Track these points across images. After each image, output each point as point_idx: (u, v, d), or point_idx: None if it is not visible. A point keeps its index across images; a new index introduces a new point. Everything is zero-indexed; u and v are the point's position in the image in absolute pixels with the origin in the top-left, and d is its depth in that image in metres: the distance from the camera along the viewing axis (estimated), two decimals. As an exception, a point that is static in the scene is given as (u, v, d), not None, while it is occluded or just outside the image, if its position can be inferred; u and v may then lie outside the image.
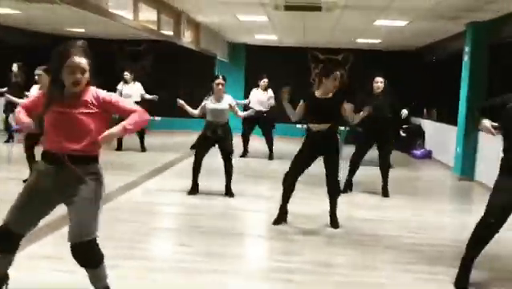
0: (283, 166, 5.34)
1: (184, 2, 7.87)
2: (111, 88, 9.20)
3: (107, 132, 2.77)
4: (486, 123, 3.57)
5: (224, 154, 6.16)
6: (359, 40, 11.42)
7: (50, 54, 2.81)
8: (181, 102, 6.21)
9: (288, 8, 7.58)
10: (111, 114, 2.93)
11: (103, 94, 2.85)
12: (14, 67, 9.35)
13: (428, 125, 11.35)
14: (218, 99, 6.13)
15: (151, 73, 13.12)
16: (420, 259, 4.23)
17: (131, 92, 9.29)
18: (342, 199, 5.33)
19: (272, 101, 9.34)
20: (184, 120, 9.40)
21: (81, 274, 2.90)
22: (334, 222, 5.09)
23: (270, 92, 9.43)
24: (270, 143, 9.49)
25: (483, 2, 6.66)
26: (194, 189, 6.25)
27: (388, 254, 4.35)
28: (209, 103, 6.12)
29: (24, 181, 4.09)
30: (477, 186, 7.79)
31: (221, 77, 6.22)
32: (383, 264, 4.09)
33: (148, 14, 7.41)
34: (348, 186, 6.71)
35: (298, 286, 3.56)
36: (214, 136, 6.07)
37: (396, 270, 3.96)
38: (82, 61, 2.74)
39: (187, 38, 9.12)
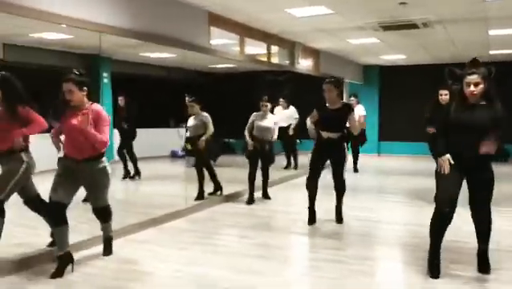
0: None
1: (295, 34, 8.80)
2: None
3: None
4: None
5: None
6: (492, 52, 10.91)
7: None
8: None
9: (386, 28, 7.95)
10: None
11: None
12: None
13: None
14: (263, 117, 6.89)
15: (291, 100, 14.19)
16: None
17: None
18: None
19: None
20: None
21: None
22: (338, 217, 5.61)
23: None
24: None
25: None
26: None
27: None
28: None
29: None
30: None
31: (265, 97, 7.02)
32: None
33: (259, 48, 8.57)
34: None
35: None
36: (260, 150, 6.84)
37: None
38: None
39: (304, 66, 10.00)
